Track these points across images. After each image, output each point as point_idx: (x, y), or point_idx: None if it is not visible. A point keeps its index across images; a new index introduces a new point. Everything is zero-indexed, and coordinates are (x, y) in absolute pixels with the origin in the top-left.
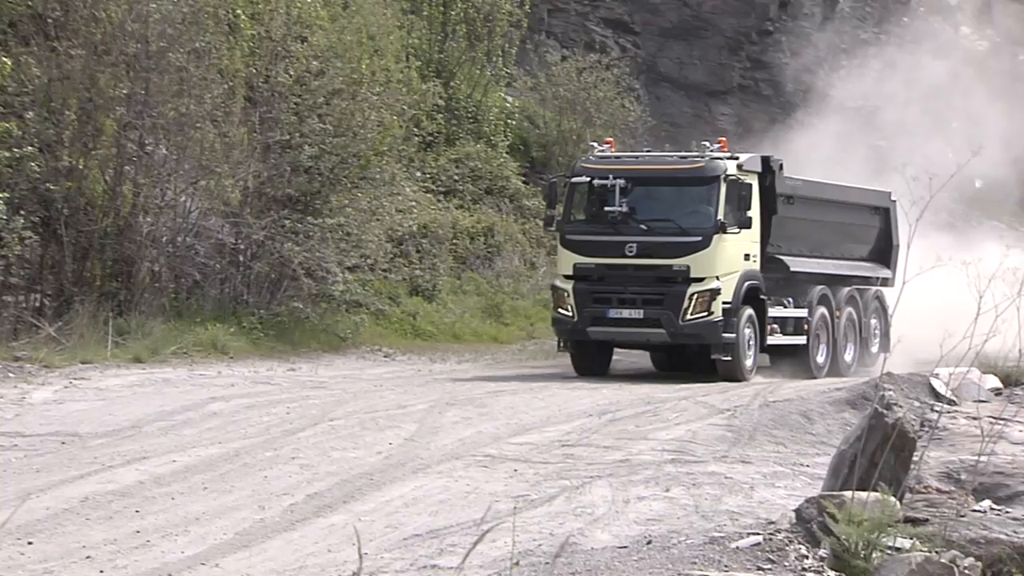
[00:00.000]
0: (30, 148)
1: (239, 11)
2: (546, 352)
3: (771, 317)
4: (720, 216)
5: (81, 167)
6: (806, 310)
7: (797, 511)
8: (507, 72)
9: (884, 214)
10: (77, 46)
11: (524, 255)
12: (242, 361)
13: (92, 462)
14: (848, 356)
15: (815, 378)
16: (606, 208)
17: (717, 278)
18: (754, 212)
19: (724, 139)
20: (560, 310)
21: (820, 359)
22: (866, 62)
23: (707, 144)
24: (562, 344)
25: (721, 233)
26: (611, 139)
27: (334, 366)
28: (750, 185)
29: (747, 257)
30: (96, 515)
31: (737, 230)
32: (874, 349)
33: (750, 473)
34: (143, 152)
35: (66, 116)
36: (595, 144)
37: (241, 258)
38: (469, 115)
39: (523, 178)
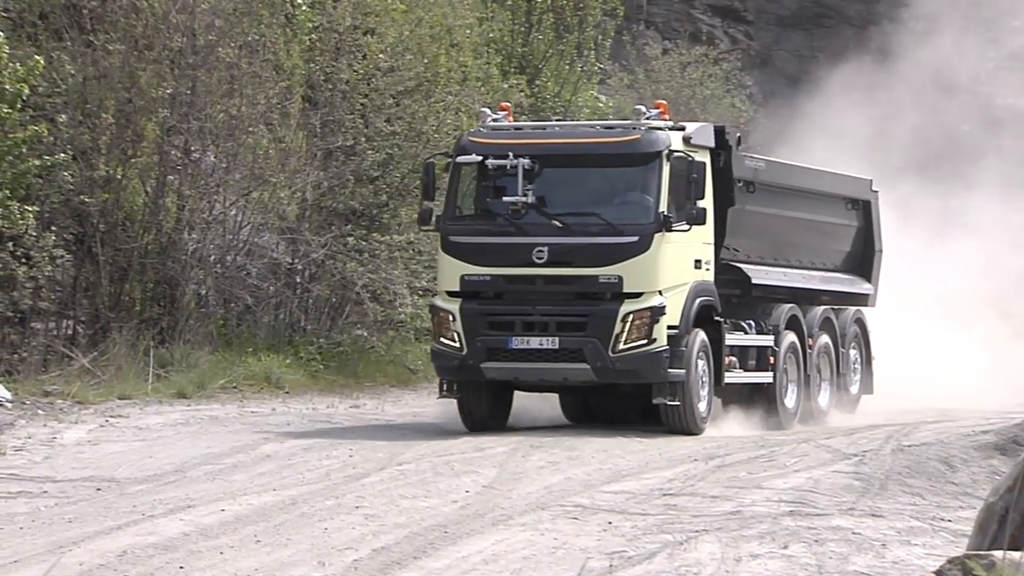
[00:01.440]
0: (62, 155)
1: (298, 0)
2: None
3: (729, 346)
4: (663, 207)
5: (119, 177)
6: (771, 337)
7: (938, 573)
8: (600, 67)
9: (864, 209)
10: (115, 40)
11: None
12: (299, 396)
13: (131, 511)
14: (823, 399)
15: (782, 428)
16: (505, 199)
17: (660, 293)
18: (707, 202)
19: (664, 102)
20: (442, 340)
21: (790, 402)
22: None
23: (642, 109)
24: (445, 387)
25: (665, 231)
26: (508, 104)
27: (402, 402)
28: (703, 165)
29: (698, 264)
30: (135, 571)
31: (686, 227)
32: (854, 389)
33: (882, 528)
34: (188, 160)
35: (103, 119)
36: (487, 110)
37: (298, 280)
38: (557, 116)
39: None
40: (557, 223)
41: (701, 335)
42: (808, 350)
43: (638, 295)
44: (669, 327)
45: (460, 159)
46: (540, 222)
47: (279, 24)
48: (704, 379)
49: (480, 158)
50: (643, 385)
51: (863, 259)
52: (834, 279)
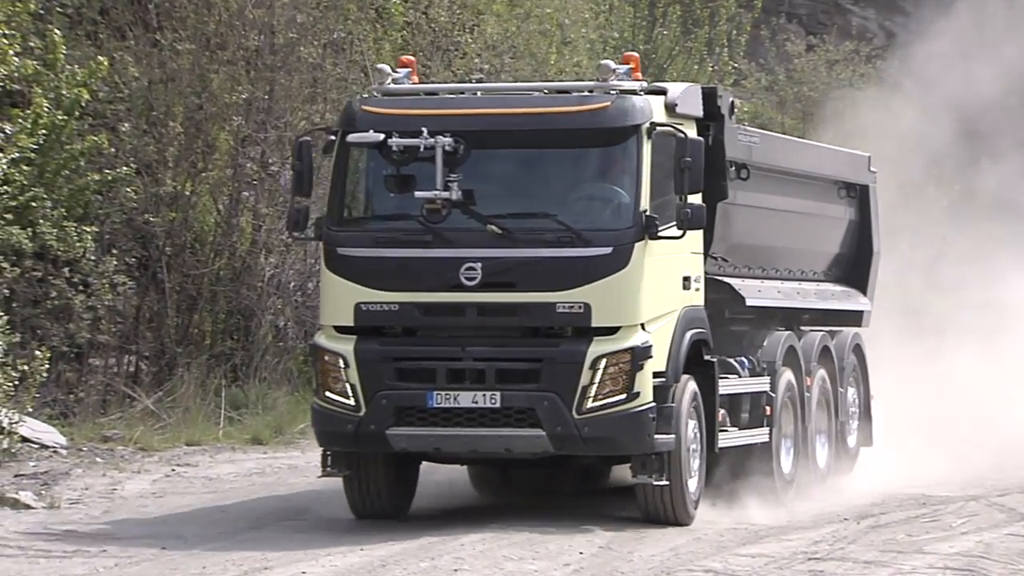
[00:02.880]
0: (124, 169)
1: None
2: None
3: (723, 395)
4: (645, 205)
5: (188, 193)
6: (767, 379)
7: None
8: (734, 67)
9: (860, 196)
10: (185, 39)
11: None
12: None
13: (200, 573)
14: (822, 457)
15: (780, 502)
16: (418, 194)
17: (642, 327)
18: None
19: (634, 54)
20: (329, 395)
21: (786, 465)
22: None
23: (610, 65)
24: (330, 462)
25: (647, 239)
26: (411, 57)
27: None
28: (699, 144)
29: (687, 283)
30: None
31: (678, 232)
32: (851, 440)
33: None
34: (265, 174)
35: (170, 128)
36: (384, 67)
37: None
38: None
39: None
40: (494, 228)
41: (691, 385)
42: (806, 393)
43: (612, 331)
44: (655, 375)
45: (351, 138)
46: (470, 227)
47: (368, 20)
48: (695, 446)
49: (380, 136)
50: (615, 458)
51: (857, 264)
52: (829, 293)
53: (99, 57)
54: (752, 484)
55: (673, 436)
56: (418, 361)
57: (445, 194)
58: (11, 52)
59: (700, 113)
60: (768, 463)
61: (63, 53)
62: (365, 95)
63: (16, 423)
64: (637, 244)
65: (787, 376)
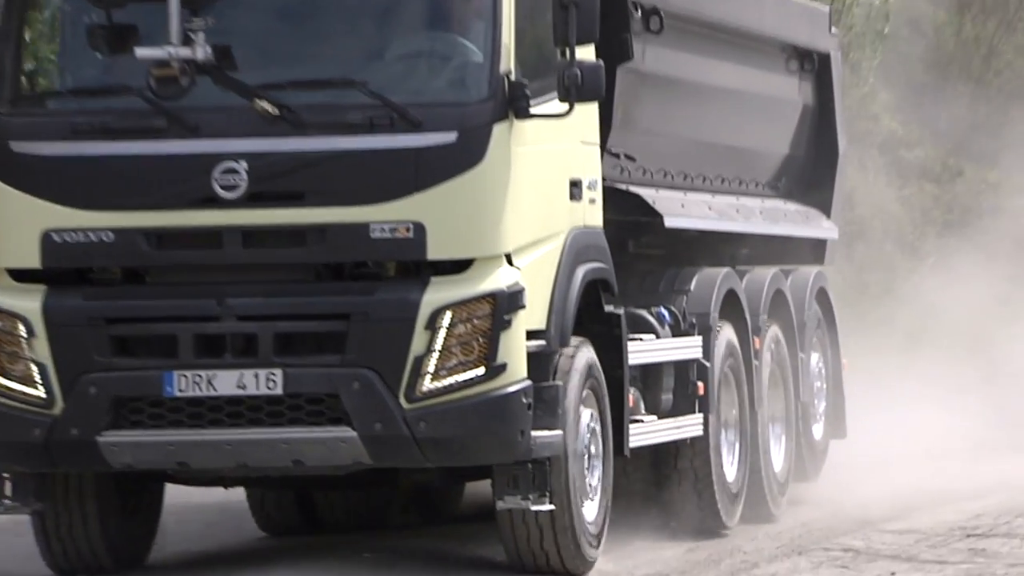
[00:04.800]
0: None
1: None
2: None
3: (634, 366)
4: (507, 63)
5: None
6: (697, 338)
7: None
8: None
9: (819, 69)
10: None
11: (903, 237)
12: None
13: None
14: (778, 457)
15: (723, 526)
16: (140, 51)
17: (508, 260)
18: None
19: None
20: (4, 381)
21: (730, 472)
22: None
23: None
24: (9, 489)
25: (513, 117)
26: None
27: None
28: None
29: (576, 191)
30: None
31: (561, 107)
32: (817, 430)
33: None
34: None
35: None
36: None
37: None
38: None
39: (898, 116)
40: (266, 107)
41: (586, 352)
42: (754, 360)
43: (461, 266)
44: (529, 336)
45: None
46: (227, 105)
47: None
48: (594, 447)
49: None
50: (465, 471)
51: (816, 170)
52: (779, 213)
53: None
54: (679, 503)
55: (559, 433)
56: (148, 323)
57: (185, 51)
58: None
59: None
60: (703, 469)
61: None
62: None
63: None
64: (497, 127)
65: (726, 336)
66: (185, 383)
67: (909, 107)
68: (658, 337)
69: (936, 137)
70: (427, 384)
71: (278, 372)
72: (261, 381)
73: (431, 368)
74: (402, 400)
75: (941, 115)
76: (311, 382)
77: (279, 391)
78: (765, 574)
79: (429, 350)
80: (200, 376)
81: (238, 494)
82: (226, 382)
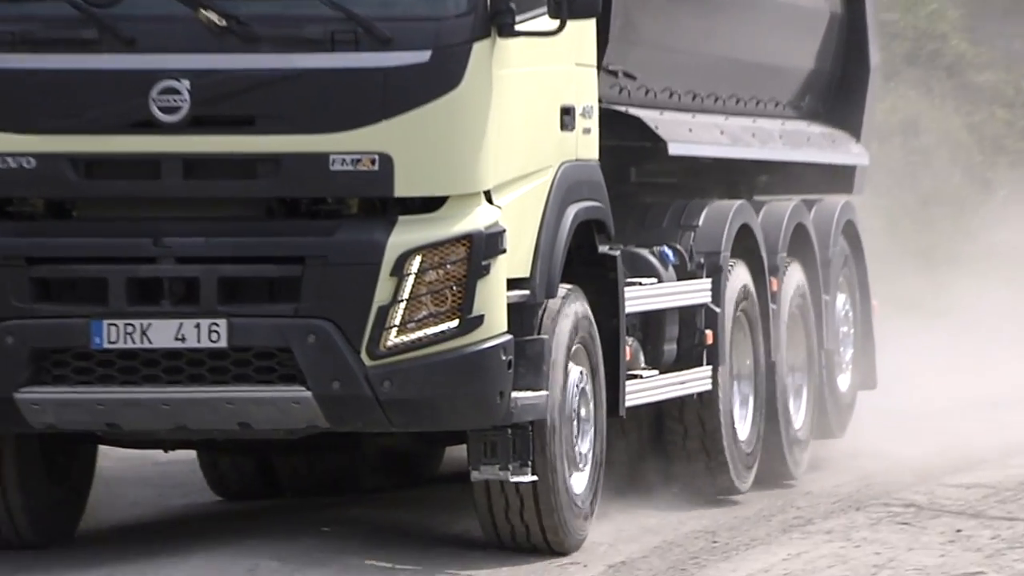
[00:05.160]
0: None
1: None
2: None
3: (632, 315)
4: None
5: None
6: (706, 281)
7: None
8: None
9: None
10: None
11: (971, 165)
12: None
13: None
14: (798, 416)
15: (734, 491)
16: None
17: (487, 198)
18: None
19: None
20: None
21: (743, 431)
22: None
23: None
24: None
25: (496, 35)
26: None
27: None
28: None
29: (568, 119)
30: None
31: (550, 24)
32: (843, 382)
33: None
34: None
35: None
36: None
37: None
38: None
39: (969, 36)
40: (212, 17)
41: (576, 301)
42: (771, 304)
43: (433, 204)
44: (510, 285)
45: None
46: (167, 13)
47: None
48: (584, 410)
49: None
50: (439, 436)
51: (844, 88)
52: (802, 136)
53: None
54: (683, 467)
55: (544, 394)
56: (73, 264)
57: None
58: None
59: None
60: (712, 426)
61: None
62: None
63: None
64: (476, 45)
65: (739, 277)
66: (116, 333)
67: (980, 26)
68: (660, 280)
69: (1009, 59)
70: (392, 338)
71: (222, 322)
72: (203, 332)
73: (397, 320)
74: (364, 356)
75: (1015, 35)
76: (260, 334)
77: (223, 344)
78: (823, 531)
79: (395, 299)
80: (133, 326)
81: (188, 451)
82: (163, 333)
